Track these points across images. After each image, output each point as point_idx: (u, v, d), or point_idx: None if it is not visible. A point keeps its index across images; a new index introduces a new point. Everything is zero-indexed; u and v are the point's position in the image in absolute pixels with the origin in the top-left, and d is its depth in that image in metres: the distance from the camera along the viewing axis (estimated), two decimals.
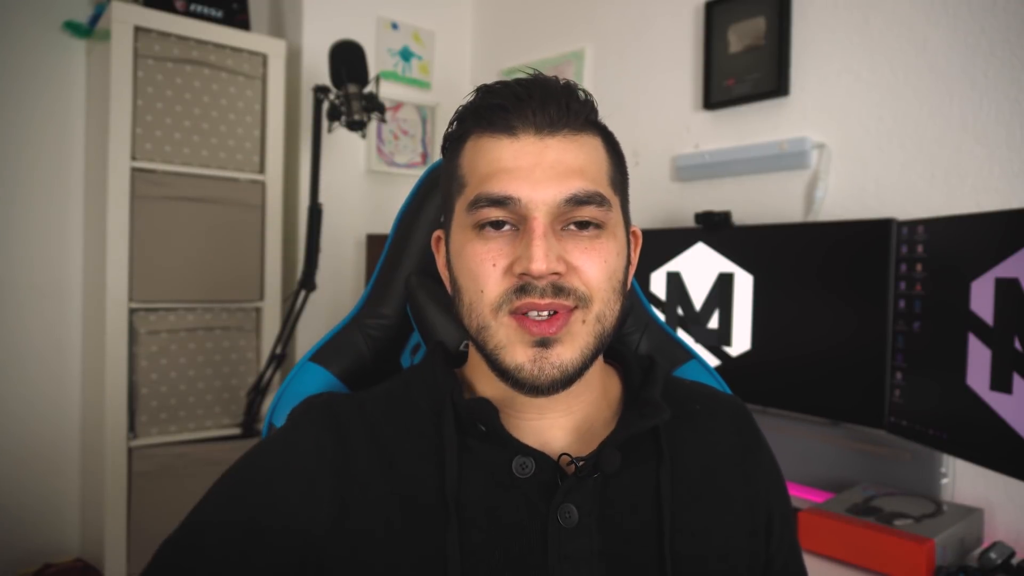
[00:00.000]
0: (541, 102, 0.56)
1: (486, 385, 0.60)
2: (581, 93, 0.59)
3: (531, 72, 0.59)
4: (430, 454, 0.57)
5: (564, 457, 0.57)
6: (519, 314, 0.54)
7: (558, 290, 0.54)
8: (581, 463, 0.56)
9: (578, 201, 0.55)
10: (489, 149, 0.56)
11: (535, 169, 0.54)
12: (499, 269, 0.55)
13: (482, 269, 0.55)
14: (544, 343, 0.54)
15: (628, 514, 0.57)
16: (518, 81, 0.58)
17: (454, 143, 0.61)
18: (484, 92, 0.59)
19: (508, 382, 0.56)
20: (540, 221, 0.54)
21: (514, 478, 0.56)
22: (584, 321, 0.55)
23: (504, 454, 0.57)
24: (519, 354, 0.54)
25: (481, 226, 0.56)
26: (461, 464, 0.56)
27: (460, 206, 0.58)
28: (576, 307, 0.55)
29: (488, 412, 0.56)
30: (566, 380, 0.55)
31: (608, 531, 0.56)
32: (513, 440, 0.56)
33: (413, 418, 0.60)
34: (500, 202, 0.54)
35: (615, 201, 0.59)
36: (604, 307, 0.56)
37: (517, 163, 0.55)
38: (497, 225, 0.55)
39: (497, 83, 0.59)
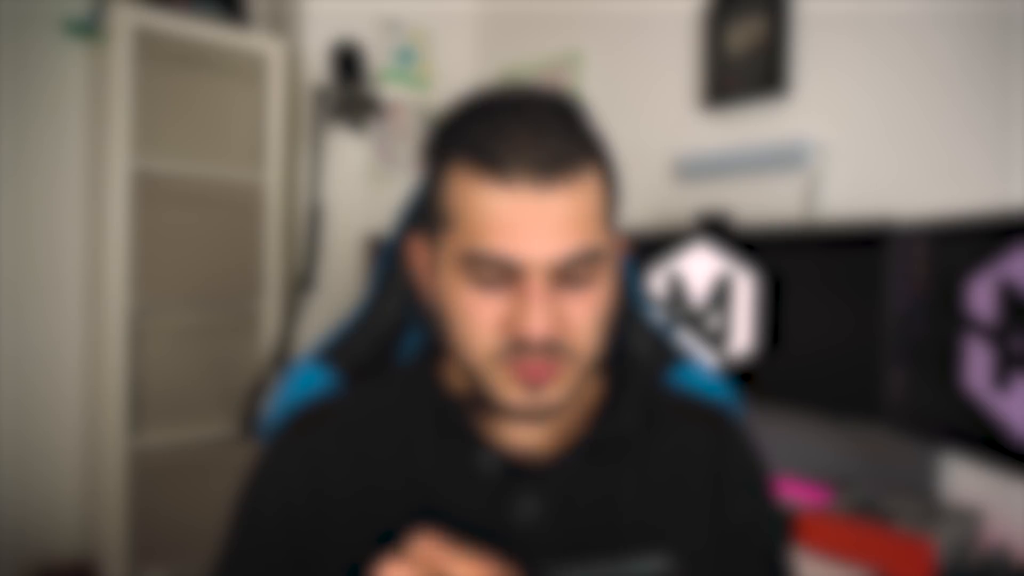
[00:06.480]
0: (535, 142, 0.52)
1: (463, 381, 0.62)
2: (578, 121, 0.55)
3: (522, 88, 0.56)
4: (404, 454, 0.60)
5: (527, 457, 0.59)
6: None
7: (552, 349, 0.53)
8: (543, 463, 0.59)
9: (577, 259, 0.53)
10: (481, 195, 0.52)
11: (533, 226, 0.51)
12: (494, 323, 0.54)
13: (477, 322, 0.54)
14: (536, 384, 0.54)
15: (586, 513, 0.58)
16: (509, 110, 0.54)
17: (437, 159, 0.57)
18: (470, 115, 0.55)
19: (498, 412, 0.57)
20: (538, 280, 0.52)
21: (479, 475, 0.58)
22: (572, 368, 0.55)
23: (471, 452, 0.59)
24: (512, 395, 0.55)
25: (476, 278, 0.54)
26: (432, 463, 0.59)
27: (448, 245, 0.55)
28: (567, 360, 0.55)
29: (457, 413, 0.60)
30: (553, 412, 0.57)
31: (565, 528, 0.58)
32: (481, 439, 0.59)
33: (393, 424, 0.62)
34: (498, 262, 0.52)
35: (608, 236, 0.57)
36: (592, 352, 0.56)
37: (514, 218, 0.51)
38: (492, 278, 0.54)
39: (484, 104, 0.55)
